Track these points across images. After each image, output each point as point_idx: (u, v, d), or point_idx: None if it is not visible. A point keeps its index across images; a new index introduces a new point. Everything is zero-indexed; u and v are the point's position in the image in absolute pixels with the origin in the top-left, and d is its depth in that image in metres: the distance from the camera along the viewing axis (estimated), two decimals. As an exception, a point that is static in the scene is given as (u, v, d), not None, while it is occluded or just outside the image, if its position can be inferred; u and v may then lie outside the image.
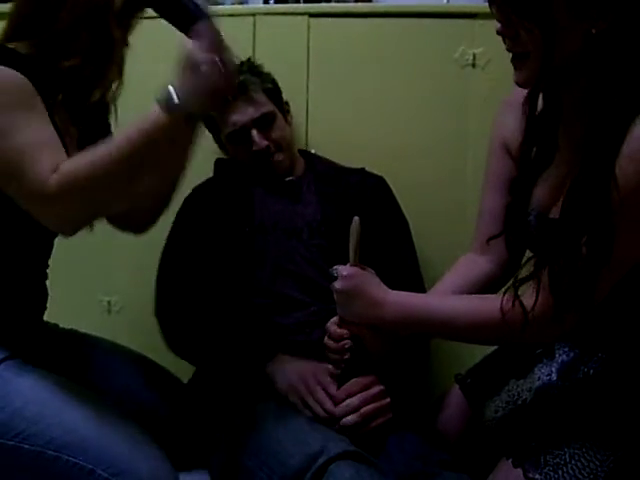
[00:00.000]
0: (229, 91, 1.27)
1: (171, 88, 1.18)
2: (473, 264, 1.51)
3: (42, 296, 1.57)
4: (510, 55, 1.20)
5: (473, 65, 1.91)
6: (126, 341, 1.76)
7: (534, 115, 1.32)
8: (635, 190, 1.10)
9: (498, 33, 1.17)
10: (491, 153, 1.46)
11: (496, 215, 1.44)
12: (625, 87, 1.11)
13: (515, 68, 1.19)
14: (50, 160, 1.21)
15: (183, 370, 1.70)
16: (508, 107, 1.40)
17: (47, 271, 1.58)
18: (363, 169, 1.84)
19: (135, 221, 1.58)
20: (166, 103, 1.18)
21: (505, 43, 1.18)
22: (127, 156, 1.20)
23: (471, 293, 1.46)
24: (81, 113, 1.45)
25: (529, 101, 1.32)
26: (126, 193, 1.29)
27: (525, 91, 1.31)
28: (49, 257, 1.57)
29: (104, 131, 1.55)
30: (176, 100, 1.18)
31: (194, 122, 1.24)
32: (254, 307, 1.65)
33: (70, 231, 1.30)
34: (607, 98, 1.12)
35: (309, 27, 1.96)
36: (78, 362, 1.57)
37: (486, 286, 1.49)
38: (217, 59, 1.19)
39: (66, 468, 1.24)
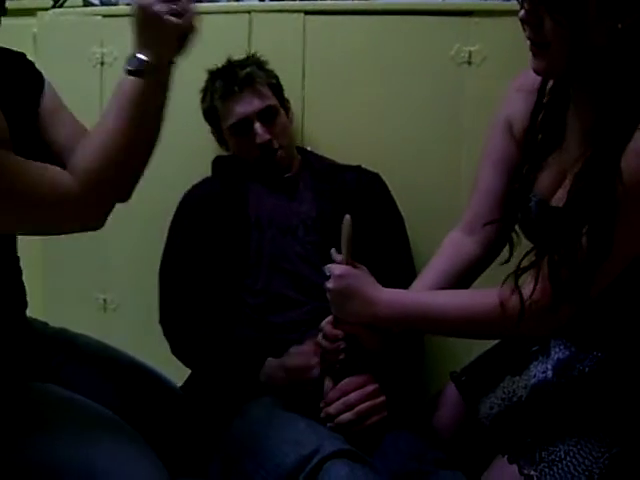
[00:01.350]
0: (191, 29, 1.27)
1: (142, 57, 1.20)
2: (460, 246, 1.50)
3: (20, 292, 1.49)
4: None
5: (469, 63, 1.91)
6: (122, 339, 1.76)
7: (542, 101, 1.32)
8: (638, 185, 1.10)
9: (521, 20, 1.15)
10: (493, 130, 1.44)
11: (491, 194, 1.43)
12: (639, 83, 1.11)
13: (533, 55, 1.17)
14: (55, 171, 1.18)
15: (178, 370, 1.70)
16: (516, 90, 1.38)
17: (20, 265, 1.48)
18: (359, 166, 1.85)
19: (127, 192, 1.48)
20: (141, 72, 1.19)
21: (525, 30, 1.16)
22: (126, 130, 1.19)
23: (458, 276, 1.47)
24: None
25: (539, 87, 1.31)
26: (141, 157, 1.28)
27: (534, 76, 1.30)
28: (15, 248, 1.47)
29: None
30: (143, 63, 1.19)
31: (167, 71, 1.25)
32: (250, 307, 1.65)
33: (101, 223, 1.27)
34: (621, 93, 1.11)
35: (305, 24, 1.96)
36: (64, 365, 1.53)
37: (471, 267, 1.48)
38: (172, 5, 1.20)
39: None
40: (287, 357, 1.49)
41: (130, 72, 1.19)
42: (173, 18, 1.20)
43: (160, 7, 1.19)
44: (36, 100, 1.42)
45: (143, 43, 1.20)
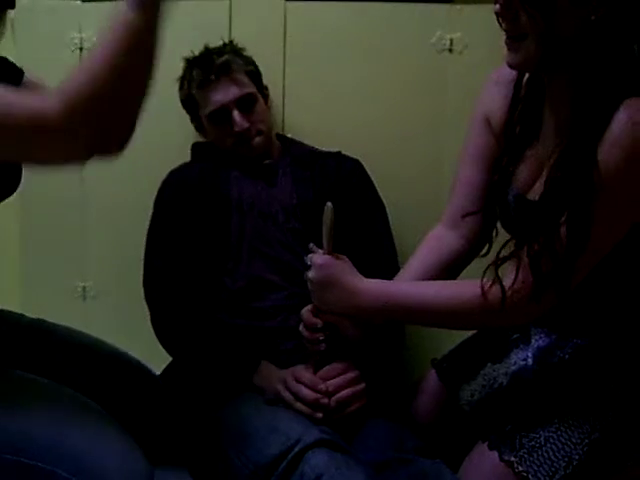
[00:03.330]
0: None
1: None
2: (443, 239, 1.50)
3: None
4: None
5: (450, 50, 1.91)
6: (101, 328, 1.75)
7: (519, 95, 1.32)
8: (615, 175, 1.10)
9: (497, 14, 1.16)
10: (472, 126, 1.45)
11: (471, 188, 1.44)
12: (614, 73, 1.12)
13: (509, 49, 1.18)
14: (34, 94, 1.11)
15: (158, 358, 1.69)
16: (494, 83, 1.39)
17: None
18: (339, 152, 1.84)
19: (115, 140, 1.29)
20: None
21: (501, 25, 1.17)
22: (119, 56, 1.11)
23: (442, 270, 1.47)
24: None
25: (516, 81, 1.32)
26: (132, 94, 1.17)
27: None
28: None
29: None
30: None
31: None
32: (231, 291, 1.65)
33: (85, 155, 1.17)
34: (595, 83, 1.12)
35: (286, 11, 1.95)
36: (40, 357, 1.51)
37: (455, 261, 1.49)
38: None
39: (26, 471, 1.18)
40: (299, 387, 1.43)
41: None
42: None
43: None
44: (18, 80, 1.39)
45: None
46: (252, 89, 1.77)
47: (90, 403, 1.35)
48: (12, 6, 1.34)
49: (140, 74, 1.16)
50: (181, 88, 1.83)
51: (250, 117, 1.75)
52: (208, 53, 1.80)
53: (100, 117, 1.12)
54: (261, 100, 1.80)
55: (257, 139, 1.76)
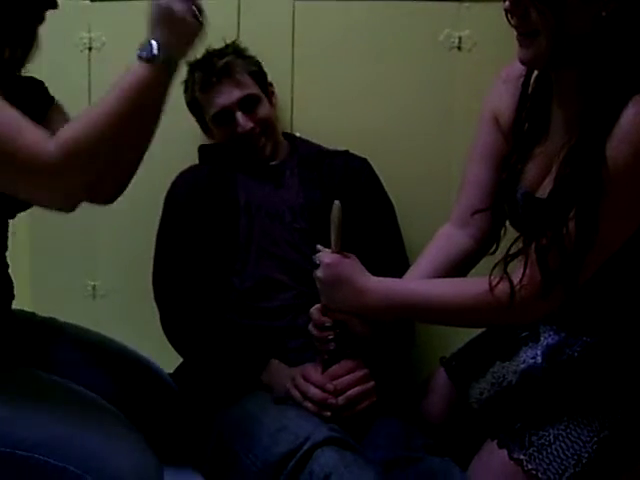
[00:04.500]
0: (202, 30, 1.27)
1: (155, 46, 1.18)
2: (452, 239, 1.50)
3: (7, 285, 1.48)
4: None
5: (459, 48, 1.90)
6: (111, 327, 1.75)
7: (527, 92, 1.32)
8: (624, 171, 1.10)
9: (506, 11, 1.16)
10: (480, 125, 1.45)
11: (480, 187, 1.44)
12: (623, 69, 1.12)
13: (521, 45, 1.18)
14: (37, 131, 1.14)
15: (168, 357, 1.70)
16: (502, 81, 1.39)
17: (7, 261, 1.47)
18: (347, 151, 1.84)
19: (105, 191, 1.46)
20: (147, 56, 1.18)
21: (510, 22, 1.17)
22: (121, 112, 1.16)
23: (451, 268, 1.47)
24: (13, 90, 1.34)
25: (524, 78, 1.32)
26: (123, 152, 1.24)
27: (520, 67, 1.31)
28: (6, 244, 1.46)
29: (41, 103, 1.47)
30: (156, 52, 1.18)
31: (173, 68, 1.24)
32: (239, 292, 1.65)
33: (70, 204, 1.21)
34: (604, 79, 1.12)
35: (294, 10, 1.95)
36: (52, 352, 1.53)
37: (464, 259, 1.49)
38: (193, 7, 1.22)
39: (37, 468, 1.19)
40: (308, 386, 1.43)
41: (141, 58, 1.18)
42: (193, 19, 1.22)
43: (180, 7, 1.20)
44: (45, 105, 1.44)
45: (159, 36, 1.19)
46: (254, 90, 1.78)
47: (100, 401, 1.37)
48: (55, 6, 1.36)
49: (142, 130, 1.22)
50: (185, 91, 1.84)
51: (253, 117, 1.75)
52: (209, 56, 1.79)
53: (92, 169, 1.16)
54: (265, 100, 1.80)
55: (261, 140, 1.76)
